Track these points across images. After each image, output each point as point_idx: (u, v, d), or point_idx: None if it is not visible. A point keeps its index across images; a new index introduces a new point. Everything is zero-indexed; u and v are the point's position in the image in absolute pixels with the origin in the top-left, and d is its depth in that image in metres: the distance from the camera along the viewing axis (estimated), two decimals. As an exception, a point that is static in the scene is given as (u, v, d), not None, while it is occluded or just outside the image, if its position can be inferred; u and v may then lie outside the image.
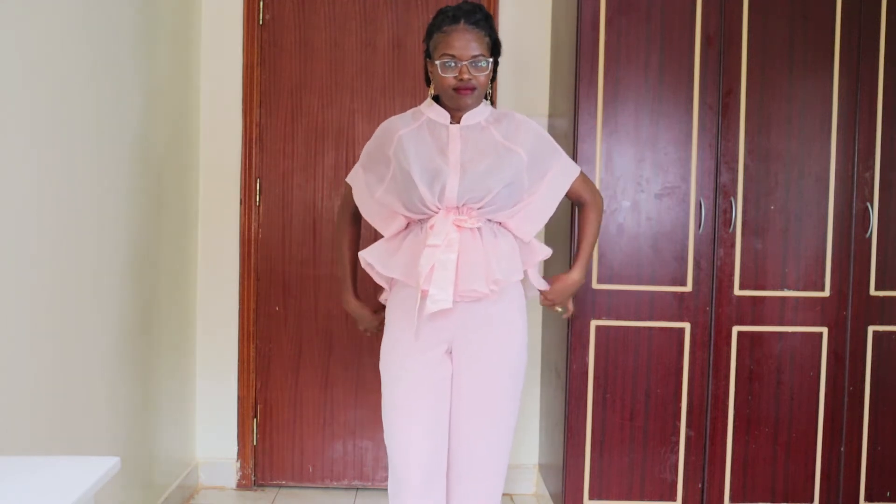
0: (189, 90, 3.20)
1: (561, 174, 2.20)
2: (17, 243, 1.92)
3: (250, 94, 3.33)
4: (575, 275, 2.27)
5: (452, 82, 2.04)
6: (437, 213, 2.06)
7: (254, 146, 3.34)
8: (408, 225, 2.15)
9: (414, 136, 2.12)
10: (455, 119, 2.13)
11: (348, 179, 2.29)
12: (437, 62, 2.05)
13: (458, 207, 2.06)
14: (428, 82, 2.17)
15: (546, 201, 2.18)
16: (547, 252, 2.20)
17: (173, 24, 2.99)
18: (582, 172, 2.27)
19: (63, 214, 2.14)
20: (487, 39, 2.07)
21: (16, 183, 1.90)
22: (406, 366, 2.11)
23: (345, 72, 3.35)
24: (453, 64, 2.03)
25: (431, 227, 2.05)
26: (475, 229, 2.06)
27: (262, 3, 3.33)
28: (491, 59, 2.07)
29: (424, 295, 2.04)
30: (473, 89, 2.06)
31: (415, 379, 2.10)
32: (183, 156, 3.14)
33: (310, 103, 3.36)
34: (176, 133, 3.05)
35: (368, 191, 2.19)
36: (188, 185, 3.21)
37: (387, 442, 2.16)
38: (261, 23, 3.34)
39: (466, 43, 2.03)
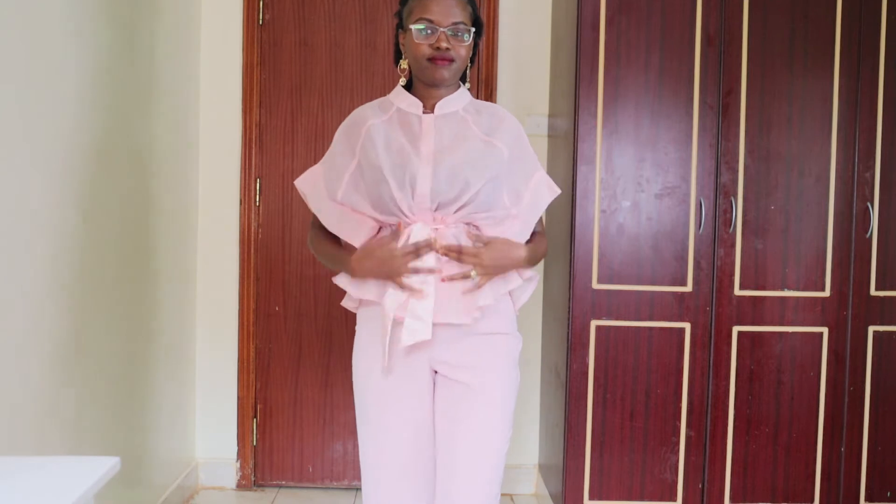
0: (189, 90, 3.19)
1: (545, 186, 1.95)
2: (17, 243, 1.91)
3: (250, 94, 3.33)
4: (522, 251, 1.84)
5: (428, 51, 1.79)
6: (409, 217, 1.78)
7: (254, 146, 3.34)
8: (378, 230, 1.86)
9: (384, 127, 1.84)
10: (428, 108, 1.87)
11: (298, 183, 1.93)
12: (412, 27, 1.79)
13: (433, 213, 1.78)
14: (398, 61, 1.91)
15: (532, 212, 1.91)
16: (530, 275, 1.91)
17: (173, 23, 2.99)
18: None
19: (63, 214, 2.14)
20: (470, 9, 1.83)
21: (15, 183, 1.90)
22: (384, 423, 1.83)
23: (345, 72, 3.35)
24: (430, 31, 1.78)
25: (407, 238, 1.77)
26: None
27: (262, 3, 3.33)
28: (473, 30, 1.82)
29: (399, 321, 1.77)
30: (452, 61, 1.79)
31: (395, 441, 1.82)
32: (183, 156, 3.13)
33: (310, 103, 3.36)
34: (176, 133, 3.05)
35: (328, 191, 1.88)
36: (188, 184, 3.21)
37: (365, 494, 1.88)
38: (261, 23, 3.33)
39: (446, 8, 1.79)
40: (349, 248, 1.88)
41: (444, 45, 1.77)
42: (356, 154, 1.84)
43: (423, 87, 1.87)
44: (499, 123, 1.88)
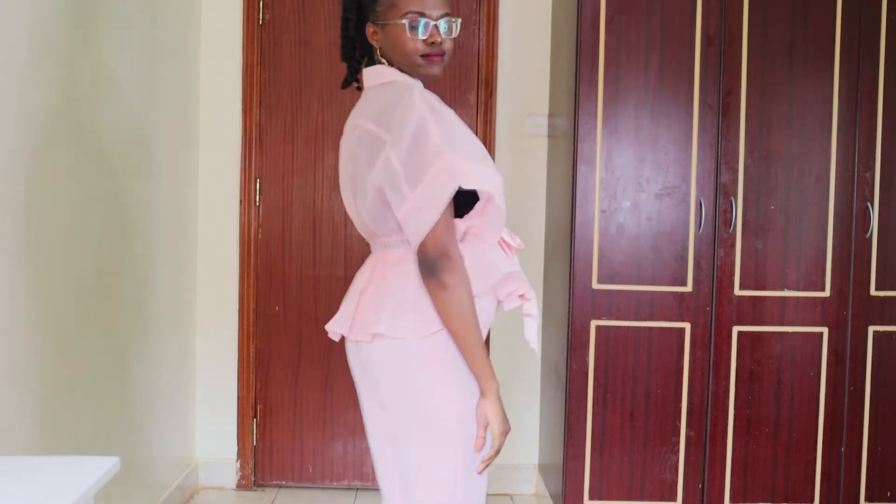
0: (189, 90, 3.19)
1: None
2: (17, 243, 1.91)
3: (250, 94, 3.32)
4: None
5: (421, 47, 1.65)
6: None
7: (254, 146, 3.34)
8: None
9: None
10: None
11: (470, 184, 1.58)
12: (403, 21, 1.64)
13: None
14: (348, 57, 1.77)
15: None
16: None
17: (173, 23, 2.99)
18: None
19: (63, 214, 2.14)
20: (448, 1, 1.71)
21: (15, 184, 1.90)
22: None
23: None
24: (423, 25, 1.64)
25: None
26: None
27: (262, 3, 3.32)
28: (459, 20, 1.71)
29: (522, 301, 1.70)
30: (444, 55, 1.68)
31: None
32: (183, 156, 3.13)
33: (310, 103, 3.36)
34: (176, 133, 3.05)
35: (483, 162, 1.64)
36: (188, 184, 3.21)
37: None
38: (261, 23, 3.33)
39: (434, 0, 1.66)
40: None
41: (438, 39, 1.66)
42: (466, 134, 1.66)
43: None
44: None
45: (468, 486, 1.65)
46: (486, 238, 1.67)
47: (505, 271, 1.67)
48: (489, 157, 1.67)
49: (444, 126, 1.60)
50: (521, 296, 1.71)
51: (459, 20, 1.72)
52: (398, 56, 1.68)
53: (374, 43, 1.72)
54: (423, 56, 1.66)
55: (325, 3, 3.35)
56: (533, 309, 1.73)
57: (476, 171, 1.58)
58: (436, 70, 1.69)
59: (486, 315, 1.67)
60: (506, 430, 1.64)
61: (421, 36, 1.65)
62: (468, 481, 1.64)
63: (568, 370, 2.80)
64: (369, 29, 1.71)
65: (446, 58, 1.70)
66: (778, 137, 2.80)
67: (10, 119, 1.88)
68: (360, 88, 1.81)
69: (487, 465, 1.65)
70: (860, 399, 2.85)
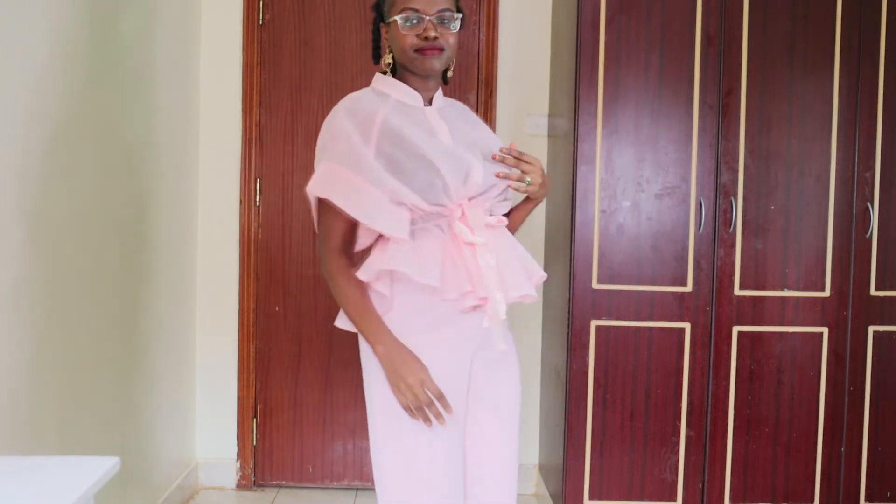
0: (189, 90, 3.19)
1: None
2: (16, 243, 1.91)
3: (250, 94, 3.33)
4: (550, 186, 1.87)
5: (415, 41, 1.71)
6: (450, 205, 1.72)
7: (254, 146, 3.34)
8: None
9: (397, 116, 1.74)
10: (425, 101, 1.81)
11: (320, 193, 1.70)
12: (397, 18, 1.71)
13: (468, 201, 1.74)
14: (377, 59, 1.85)
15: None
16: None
17: (173, 24, 2.99)
18: None
19: (63, 214, 2.14)
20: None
21: (15, 184, 1.90)
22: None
23: (345, 72, 3.35)
24: (416, 20, 1.71)
25: (462, 219, 1.72)
26: (496, 225, 1.78)
27: (262, 3, 3.33)
28: (460, 16, 1.76)
29: (483, 303, 1.72)
30: (441, 50, 1.72)
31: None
32: (183, 156, 3.13)
33: (310, 103, 3.36)
34: (176, 133, 3.05)
35: (364, 178, 1.68)
36: (188, 184, 3.21)
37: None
38: (261, 23, 3.33)
39: None
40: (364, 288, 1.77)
41: (432, 34, 1.70)
42: (372, 144, 1.70)
43: (414, 79, 1.79)
44: (469, 115, 1.89)
45: (395, 447, 1.73)
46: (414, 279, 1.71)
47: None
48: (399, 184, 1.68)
49: (345, 145, 1.70)
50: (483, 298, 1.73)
51: (460, 16, 1.76)
52: (398, 52, 1.75)
53: (385, 42, 1.81)
54: (417, 50, 1.72)
55: (325, 3, 3.35)
56: (491, 311, 1.72)
57: (335, 187, 1.68)
58: (432, 64, 1.73)
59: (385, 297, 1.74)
60: (409, 380, 1.68)
61: (411, 31, 1.71)
62: (392, 442, 1.73)
63: (568, 370, 2.80)
64: (382, 30, 1.81)
65: (447, 53, 1.74)
66: (778, 137, 2.80)
67: (10, 119, 1.88)
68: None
69: (426, 417, 1.69)
70: (860, 399, 2.86)
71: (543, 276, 1.85)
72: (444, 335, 1.75)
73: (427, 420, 1.69)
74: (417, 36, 1.71)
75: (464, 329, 1.76)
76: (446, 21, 1.73)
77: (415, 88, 1.79)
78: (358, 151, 1.69)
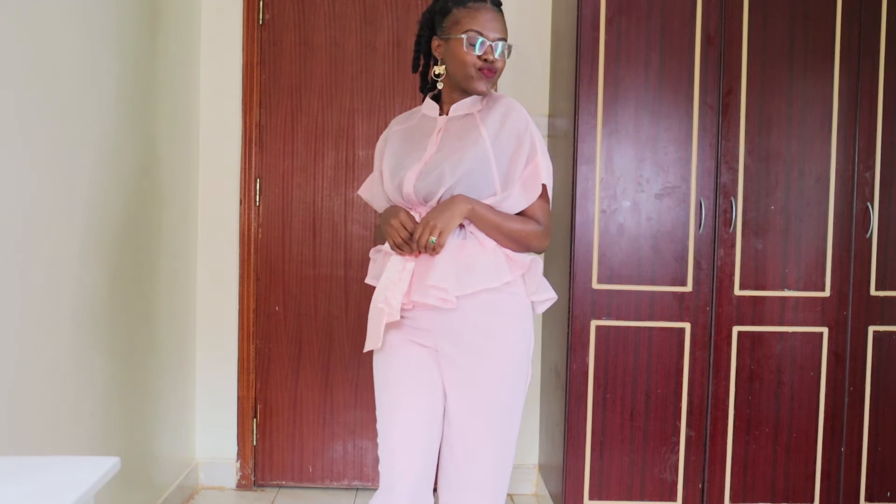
0: (189, 90, 3.19)
1: (542, 173, 1.92)
2: (15, 243, 1.91)
3: (250, 94, 3.33)
4: (466, 204, 1.86)
5: (478, 61, 1.88)
6: (409, 209, 1.94)
7: (254, 146, 3.34)
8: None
9: (401, 132, 2.03)
10: (445, 111, 2.00)
11: (361, 193, 2.17)
12: (463, 36, 1.88)
13: (425, 205, 1.91)
14: (416, 67, 2.03)
15: (522, 197, 1.92)
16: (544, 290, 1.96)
17: (173, 23, 2.99)
18: (548, 197, 1.97)
19: (62, 215, 2.14)
20: (505, 28, 1.94)
21: (14, 184, 1.90)
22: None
23: (345, 72, 3.35)
24: (482, 42, 1.88)
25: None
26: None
27: (262, 3, 3.33)
28: (511, 46, 1.93)
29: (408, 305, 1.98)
30: (494, 72, 1.91)
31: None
32: (183, 156, 3.13)
33: (310, 103, 3.36)
34: (176, 133, 3.05)
35: (379, 193, 2.06)
36: (188, 184, 3.21)
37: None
38: (261, 23, 3.33)
39: (493, 23, 1.90)
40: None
41: (491, 57, 1.88)
42: (380, 160, 2.05)
43: (454, 92, 1.98)
44: (504, 118, 1.92)
45: (378, 407, 1.98)
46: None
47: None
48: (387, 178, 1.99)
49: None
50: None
51: (512, 46, 1.94)
52: (456, 67, 1.92)
53: (437, 55, 1.97)
54: (479, 70, 1.89)
55: (325, 3, 3.35)
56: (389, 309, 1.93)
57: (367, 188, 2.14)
58: (484, 87, 1.91)
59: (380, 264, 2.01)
60: (391, 223, 1.88)
61: (477, 52, 1.88)
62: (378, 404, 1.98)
63: (568, 370, 2.80)
64: (434, 42, 1.97)
65: (496, 77, 1.92)
66: (778, 137, 2.80)
67: (11, 120, 1.88)
68: (423, 90, 2.10)
69: (412, 248, 1.87)
70: (860, 399, 2.86)
71: (494, 284, 1.87)
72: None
73: (412, 252, 1.87)
74: (478, 57, 1.88)
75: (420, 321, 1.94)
76: (501, 48, 1.90)
77: (449, 99, 1.98)
78: (376, 170, 2.08)
